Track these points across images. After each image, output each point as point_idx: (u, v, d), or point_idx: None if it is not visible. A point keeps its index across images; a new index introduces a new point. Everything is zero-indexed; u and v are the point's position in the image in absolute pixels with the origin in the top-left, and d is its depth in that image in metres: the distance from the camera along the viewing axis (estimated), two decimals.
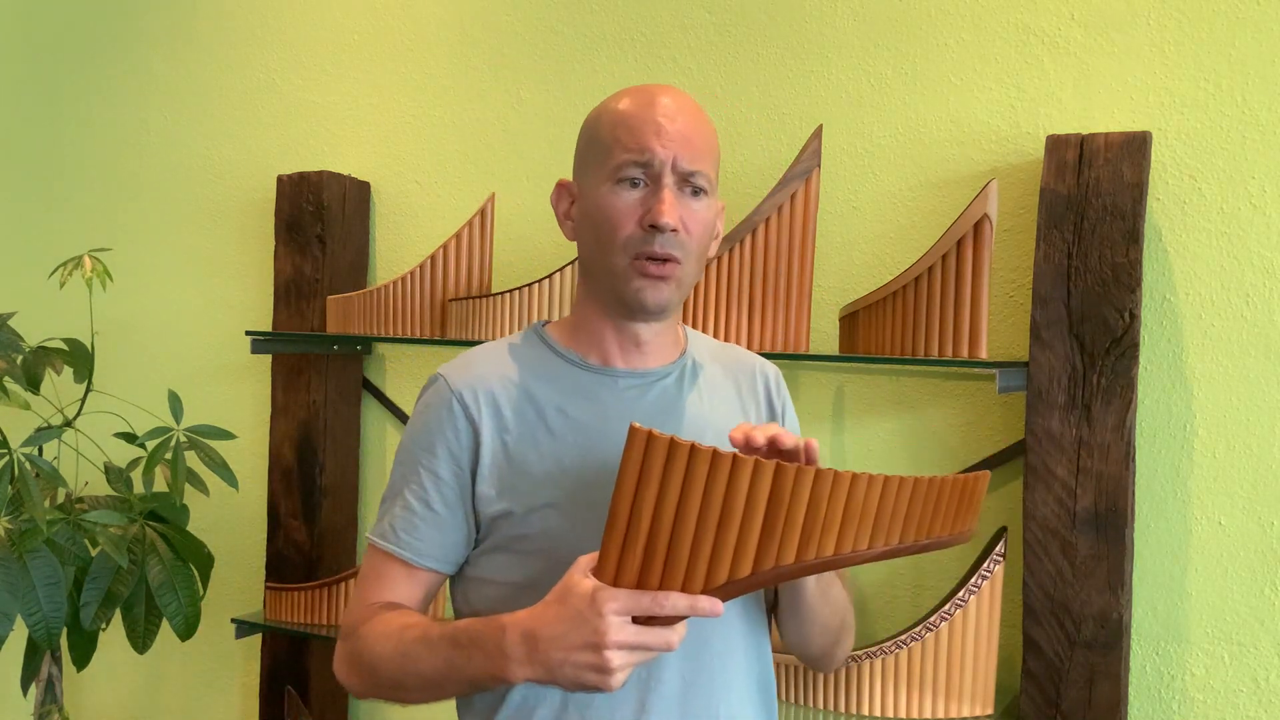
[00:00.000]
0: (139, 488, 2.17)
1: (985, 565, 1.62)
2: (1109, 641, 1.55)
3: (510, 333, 1.68)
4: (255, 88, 2.43)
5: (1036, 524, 1.58)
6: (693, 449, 0.96)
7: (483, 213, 2.04)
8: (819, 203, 1.76)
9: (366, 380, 2.31)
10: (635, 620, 0.97)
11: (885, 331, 1.66)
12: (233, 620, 2.22)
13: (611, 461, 1.13)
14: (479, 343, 1.64)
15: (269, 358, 2.30)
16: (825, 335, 1.85)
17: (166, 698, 2.59)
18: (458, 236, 2.03)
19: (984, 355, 1.58)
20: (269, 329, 2.32)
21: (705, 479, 0.96)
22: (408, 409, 2.26)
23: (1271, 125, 1.59)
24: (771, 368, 1.32)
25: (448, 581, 1.24)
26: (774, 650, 1.27)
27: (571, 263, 1.86)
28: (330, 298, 2.16)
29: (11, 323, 2.21)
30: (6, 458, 1.90)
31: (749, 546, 0.97)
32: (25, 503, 1.87)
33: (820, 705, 1.67)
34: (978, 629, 1.62)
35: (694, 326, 1.77)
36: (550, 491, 1.14)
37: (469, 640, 1.04)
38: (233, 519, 2.45)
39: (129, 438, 2.13)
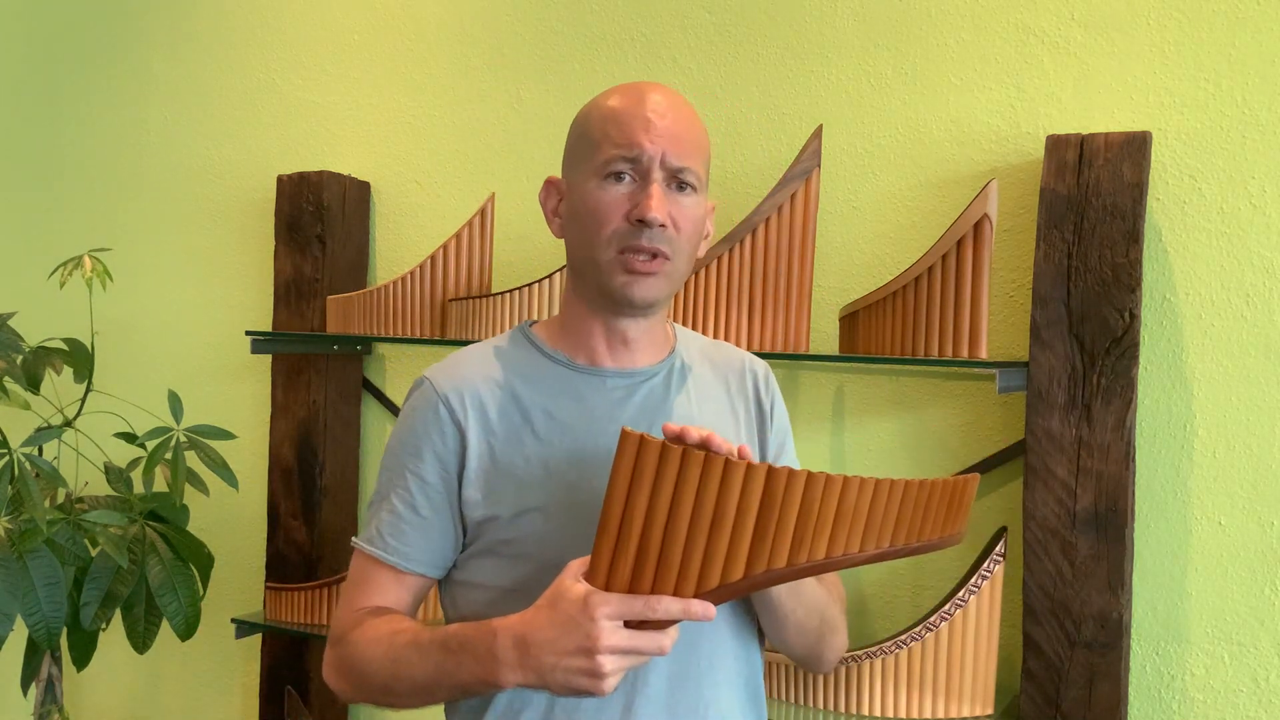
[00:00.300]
0: (139, 488, 2.17)
1: (985, 565, 1.62)
2: (1109, 641, 1.55)
3: (507, 331, 1.68)
4: (255, 88, 2.43)
5: (1036, 524, 1.58)
6: (685, 453, 0.96)
7: (482, 213, 2.04)
8: (819, 203, 1.76)
9: (366, 380, 2.31)
10: (627, 624, 0.97)
11: (885, 331, 1.66)
12: (233, 620, 2.22)
13: (598, 464, 1.13)
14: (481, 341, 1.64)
15: (269, 358, 2.30)
16: (825, 335, 1.85)
17: (166, 698, 2.59)
18: (457, 236, 2.03)
19: (984, 355, 1.58)
20: (269, 329, 2.32)
21: (697, 483, 0.96)
22: None
23: (1271, 125, 1.59)
24: (761, 365, 1.31)
25: (436, 586, 1.23)
26: (768, 650, 1.27)
27: None
28: (330, 298, 2.16)
29: (11, 323, 2.21)
30: (6, 458, 1.90)
31: (741, 550, 0.97)
32: (25, 503, 1.87)
33: (819, 705, 1.67)
34: (978, 629, 1.62)
35: (694, 327, 1.77)
36: (536, 495, 1.14)
37: (459, 645, 1.04)
38: (233, 519, 2.45)
39: (129, 438, 2.13)
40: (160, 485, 2.22)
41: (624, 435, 0.97)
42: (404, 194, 2.27)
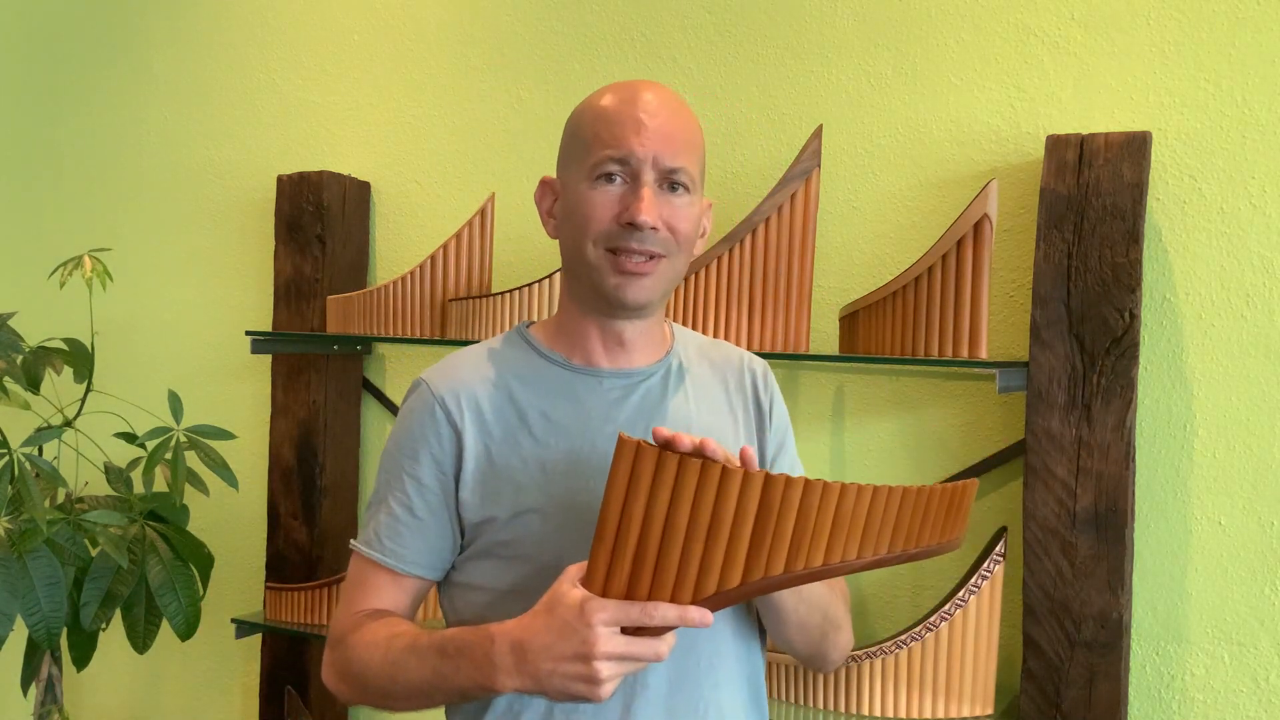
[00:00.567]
0: (139, 488, 2.17)
1: (985, 565, 1.62)
2: (1109, 641, 1.55)
3: (504, 332, 1.68)
4: (255, 88, 2.43)
5: (1036, 524, 1.58)
6: (682, 460, 0.95)
7: (482, 213, 2.04)
8: (819, 203, 1.76)
9: (366, 380, 2.31)
10: (624, 630, 0.96)
11: (885, 331, 1.65)
12: (233, 620, 2.22)
13: (594, 465, 1.13)
14: (478, 343, 1.64)
15: (269, 358, 2.30)
16: (825, 335, 1.85)
17: (166, 698, 2.59)
18: (457, 236, 2.03)
19: (984, 355, 1.58)
20: (269, 329, 2.32)
21: (694, 490, 0.96)
22: None
23: (1271, 125, 1.59)
24: (759, 363, 1.31)
25: (436, 587, 1.23)
26: (770, 650, 1.26)
27: None
28: (330, 298, 2.16)
29: (11, 323, 2.21)
30: (6, 458, 1.90)
31: (738, 557, 0.97)
32: (25, 503, 1.87)
33: (820, 705, 1.67)
34: (978, 629, 1.62)
35: (694, 327, 1.77)
36: (533, 497, 1.13)
37: (457, 650, 1.04)
38: (233, 519, 2.45)
39: (129, 438, 2.13)
40: (160, 485, 2.22)
41: (621, 441, 0.97)
42: (404, 194, 2.27)
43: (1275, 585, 1.59)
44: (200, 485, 2.14)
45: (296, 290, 2.25)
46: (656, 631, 0.97)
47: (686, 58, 1.98)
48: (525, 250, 2.12)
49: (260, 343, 2.19)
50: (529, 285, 1.91)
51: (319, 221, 2.21)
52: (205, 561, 2.14)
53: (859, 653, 1.64)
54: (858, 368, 1.84)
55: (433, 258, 2.04)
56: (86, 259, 2.17)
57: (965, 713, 1.62)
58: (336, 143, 2.34)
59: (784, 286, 1.74)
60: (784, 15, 1.90)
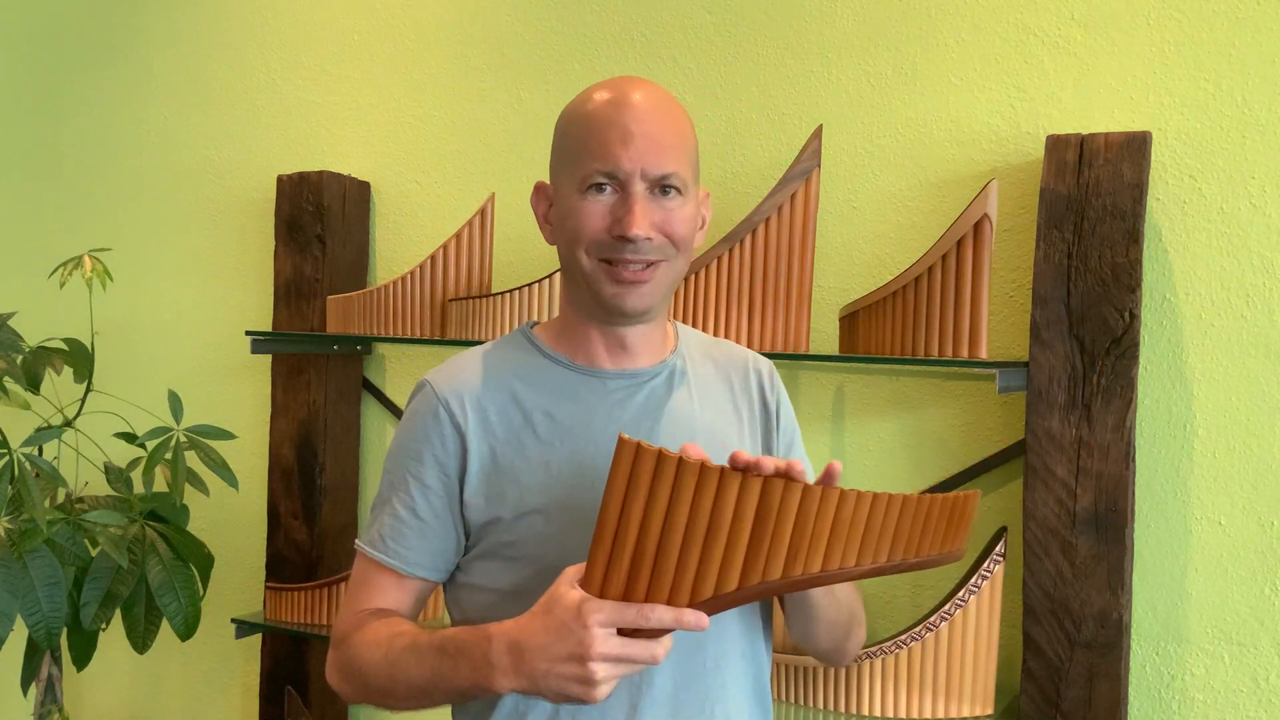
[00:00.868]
0: (139, 488, 2.17)
1: (985, 565, 1.62)
2: (1109, 641, 1.55)
3: (509, 332, 1.68)
4: (255, 88, 2.43)
5: (1036, 524, 1.58)
6: (680, 462, 0.95)
7: (483, 213, 2.04)
8: (819, 203, 1.76)
9: (366, 380, 2.31)
10: (620, 632, 0.96)
11: (885, 331, 1.65)
12: (233, 620, 2.22)
13: (598, 466, 1.12)
14: (479, 343, 1.64)
15: (269, 358, 2.30)
16: (825, 335, 1.85)
17: (166, 698, 2.59)
18: (457, 236, 2.03)
19: (984, 355, 1.58)
20: (269, 329, 2.32)
21: (693, 492, 0.95)
22: None
23: (1271, 125, 1.59)
24: (765, 363, 1.31)
25: (441, 588, 1.23)
26: (775, 649, 1.26)
27: None
28: (330, 298, 2.16)
29: (11, 323, 2.21)
30: (6, 458, 1.90)
31: (736, 561, 0.96)
32: (25, 503, 1.87)
33: (820, 705, 1.67)
34: (978, 629, 1.62)
35: (694, 326, 1.76)
36: (537, 498, 1.13)
37: (455, 650, 1.04)
38: (233, 519, 2.45)
39: (129, 438, 2.13)
40: (160, 485, 2.22)
41: (621, 442, 0.97)
42: (404, 194, 2.27)
43: (1275, 585, 1.59)
44: (200, 485, 2.15)
45: (296, 290, 2.25)
46: (653, 633, 0.97)
47: (686, 58, 1.98)
48: (525, 250, 2.12)
49: (260, 343, 2.19)
50: (529, 285, 1.91)
51: (319, 221, 2.21)
52: (205, 561, 2.14)
53: (859, 652, 1.64)
54: (858, 368, 1.84)
55: (433, 258, 2.04)
56: (86, 259, 2.17)
57: (965, 713, 1.62)
58: (336, 143, 2.34)
59: (784, 286, 1.74)
60: (784, 15, 1.90)
